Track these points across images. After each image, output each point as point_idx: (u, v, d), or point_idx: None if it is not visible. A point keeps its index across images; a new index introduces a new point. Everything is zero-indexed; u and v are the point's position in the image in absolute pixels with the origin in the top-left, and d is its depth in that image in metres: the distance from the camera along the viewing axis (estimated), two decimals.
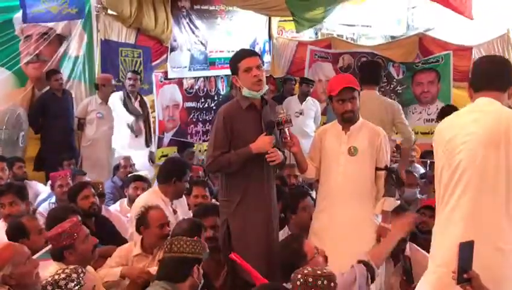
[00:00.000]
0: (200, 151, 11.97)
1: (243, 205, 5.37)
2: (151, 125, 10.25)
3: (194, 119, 12.75)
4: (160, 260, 4.56)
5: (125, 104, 9.84)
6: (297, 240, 4.79)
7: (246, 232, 5.36)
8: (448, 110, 9.59)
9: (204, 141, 12.66)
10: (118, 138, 9.93)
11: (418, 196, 8.48)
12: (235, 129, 5.34)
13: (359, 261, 4.67)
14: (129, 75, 10.01)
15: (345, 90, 5.43)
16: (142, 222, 5.71)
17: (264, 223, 5.36)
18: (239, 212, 5.39)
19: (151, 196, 6.33)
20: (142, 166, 9.39)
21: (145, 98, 10.19)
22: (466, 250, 3.67)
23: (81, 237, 4.86)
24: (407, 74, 12.84)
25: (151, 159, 10.19)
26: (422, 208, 6.56)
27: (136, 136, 9.92)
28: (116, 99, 9.91)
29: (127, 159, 9.03)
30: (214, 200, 7.27)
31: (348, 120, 5.52)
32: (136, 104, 9.89)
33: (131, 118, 10.16)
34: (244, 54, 5.41)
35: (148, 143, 10.08)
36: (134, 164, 9.02)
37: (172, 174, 6.37)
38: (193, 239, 4.49)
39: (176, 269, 4.38)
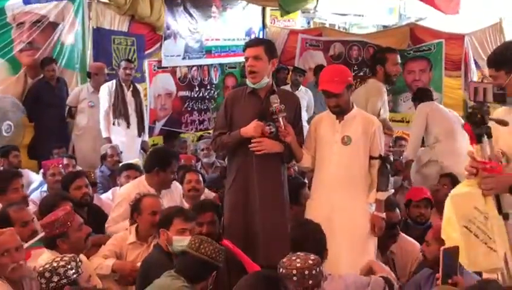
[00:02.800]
0: (192, 141, 11.92)
1: (233, 186, 5.58)
2: (144, 115, 10.16)
3: (189, 109, 12.70)
4: (184, 252, 4.55)
5: (116, 94, 9.74)
6: (315, 224, 4.77)
7: (232, 212, 5.56)
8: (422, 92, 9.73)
9: (197, 130, 12.67)
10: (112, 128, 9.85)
11: (405, 183, 8.49)
12: (234, 112, 5.54)
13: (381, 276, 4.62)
14: (123, 64, 9.84)
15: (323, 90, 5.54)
16: (135, 208, 5.74)
17: (247, 208, 5.45)
18: (230, 193, 5.63)
19: (135, 186, 6.33)
20: (135, 156, 9.36)
21: (138, 86, 10.11)
22: (450, 256, 3.73)
23: (74, 226, 4.84)
24: (398, 56, 12.83)
25: (144, 148, 10.14)
26: (417, 201, 6.53)
27: (129, 126, 9.84)
28: (104, 90, 9.81)
29: (114, 148, 8.93)
30: (206, 189, 7.34)
31: (333, 113, 5.59)
32: (129, 94, 9.82)
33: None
34: (246, 44, 5.59)
35: (140, 133, 10.02)
36: (121, 152, 8.96)
37: (155, 164, 6.33)
38: (221, 247, 4.51)
39: (197, 269, 4.41)
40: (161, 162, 6.32)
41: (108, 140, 9.55)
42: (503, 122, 4.08)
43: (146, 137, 10.28)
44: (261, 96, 5.47)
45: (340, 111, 5.54)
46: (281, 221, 5.49)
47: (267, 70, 5.42)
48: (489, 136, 3.96)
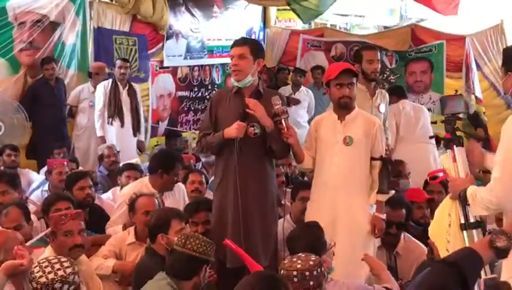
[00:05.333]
0: (194, 139, 11.90)
1: (220, 186, 5.55)
2: (140, 115, 10.14)
3: (186, 108, 12.71)
4: (171, 251, 4.53)
5: (112, 93, 9.70)
6: (318, 228, 4.75)
7: (219, 212, 5.52)
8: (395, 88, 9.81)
9: (196, 129, 12.65)
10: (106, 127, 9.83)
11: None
12: (218, 112, 5.52)
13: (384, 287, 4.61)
14: (118, 63, 9.85)
15: (344, 74, 5.43)
16: (131, 207, 5.77)
17: (232, 208, 5.39)
18: (217, 193, 5.61)
19: (137, 186, 6.33)
20: (130, 155, 9.36)
21: (135, 85, 10.08)
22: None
23: (62, 230, 4.79)
24: (400, 63, 12.91)
25: (139, 148, 10.13)
26: (420, 202, 6.51)
27: (122, 126, 9.81)
28: (100, 89, 9.82)
29: (111, 148, 8.91)
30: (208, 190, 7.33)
31: (344, 106, 5.50)
32: (124, 93, 9.80)
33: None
34: (232, 43, 5.54)
35: (135, 132, 10.00)
36: (119, 152, 8.95)
37: (159, 166, 6.35)
38: (209, 242, 4.46)
39: (185, 266, 4.37)
40: (165, 165, 6.34)
41: (103, 139, 9.58)
42: (477, 137, 4.23)
43: (142, 137, 10.23)
44: (245, 97, 5.41)
45: (346, 105, 5.48)
46: (266, 222, 5.47)
47: (251, 69, 5.36)
48: (458, 144, 4.16)
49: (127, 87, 9.86)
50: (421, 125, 8.62)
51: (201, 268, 4.41)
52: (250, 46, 5.44)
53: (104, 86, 9.74)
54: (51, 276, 3.81)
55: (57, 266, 3.86)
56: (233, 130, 5.28)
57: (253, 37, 13.49)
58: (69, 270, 3.83)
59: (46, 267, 3.88)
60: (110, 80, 9.81)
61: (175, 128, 12.22)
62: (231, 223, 5.39)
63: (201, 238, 4.43)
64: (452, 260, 2.82)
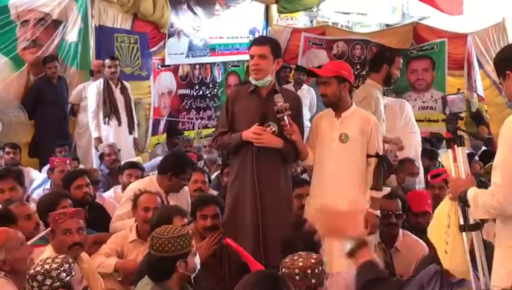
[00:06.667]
0: (201, 138, 11.89)
1: (234, 185, 5.56)
2: (133, 112, 10.13)
3: (187, 107, 12.72)
4: (147, 253, 4.47)
5: (105, 93, 9.67)
6: (311, 227, 4.75)
7: (231, 212, 5.52)
8: None
9: (197, 128, 12.65)
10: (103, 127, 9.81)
11: (417, 186, 8.45)
12: (235, 111, 5.52)
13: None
14: (107, 62, 9.76)
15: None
16: (134, 203, 5.78)
17: (247, 209, 5.40)
18: (230, 192, 5.60)
19: (145, 183, 6.34)
20: (128, 153, 9.36)
21: (125, 83, 10.12)
22: None
23: (60, 228, 4.79)
24: (402, 61, 12.85)
25: (136, 145, 10.13)
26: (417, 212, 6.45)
27: (120, 124, 9.79)
28: (92, 90, 9.82)
29: (111, 146, 8.91)
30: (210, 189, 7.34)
31: (324, 105, 5.67)
32: (118, 91, 9.77)
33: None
34: (252, 41, 5.67)
35: (131, 130, 10.00)
36: (119, 150, 8.95)
37: (169, 168, 6.34)
38: (175, 236, 4.24)
39: (157, 267, 4.25)
40: (176, 169, 6.34)
41: (99, 140, 9.56)
42: (479, 137, 4.24)
43: (136, 134, 10.22)
44: (263, 95, 5.44)
45: (329, 103, 5.57)
46: (282, 222, 5.41)
47: (271, 69, 5.40)
48: (459, 144, 4.16)
49: (119, 86, 9.84)
50: (404, 115, 8.57)
51: (174, 265, 4.23)
52: (271, 46, 5.46)
53: (96, 87, 9.71)
54: (37, 269, 3.83)
55: (48, 261, 3.87)
56: (250, 133, 5.31)
57: (256, 35, 13.50)
58: (54, 266, 3.81)
59: (40, 261, 3.92)
60: (102, 80, 9.76)
61: (177, 119, 12.24)
62: (245, 223, 5.40)
63: (164, 237, 4.22)
64: None
